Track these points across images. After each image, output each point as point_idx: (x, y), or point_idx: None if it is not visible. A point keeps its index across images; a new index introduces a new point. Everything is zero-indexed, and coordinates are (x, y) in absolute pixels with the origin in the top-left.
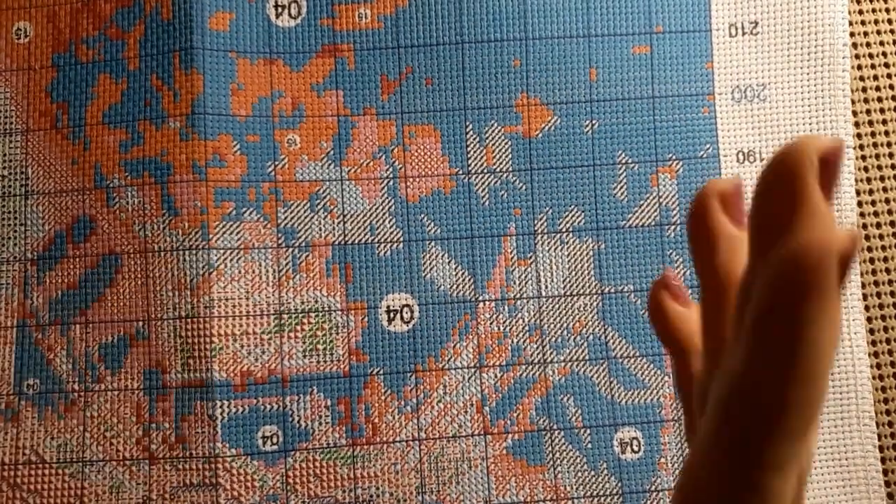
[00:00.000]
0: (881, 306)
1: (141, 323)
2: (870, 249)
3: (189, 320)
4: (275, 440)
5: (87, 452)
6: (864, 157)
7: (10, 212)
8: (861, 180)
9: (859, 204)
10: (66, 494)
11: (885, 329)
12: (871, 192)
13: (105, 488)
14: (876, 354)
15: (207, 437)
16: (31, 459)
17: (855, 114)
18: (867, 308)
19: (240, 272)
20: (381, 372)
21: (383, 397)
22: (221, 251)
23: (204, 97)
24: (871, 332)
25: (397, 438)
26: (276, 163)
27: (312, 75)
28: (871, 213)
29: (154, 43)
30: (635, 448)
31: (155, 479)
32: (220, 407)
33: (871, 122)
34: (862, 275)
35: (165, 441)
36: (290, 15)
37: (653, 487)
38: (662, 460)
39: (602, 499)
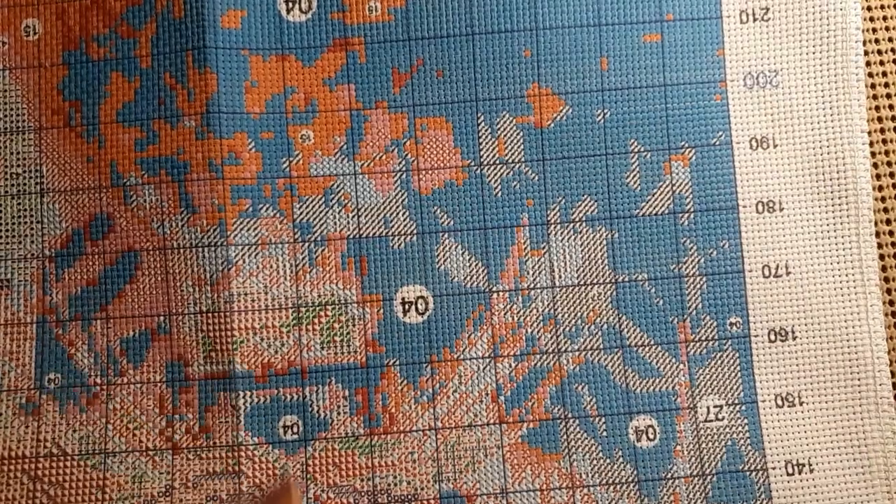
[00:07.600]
0: None
1: (162, 318)
2: (880, 246)
3: (210, 315)
4: (295, 430)
5: (110, 444)
6: (873, 154)
7: (25, 209)
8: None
9: None
10: (87, 485)
11: None
12: (880, 188)
13: (127, 478)
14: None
15: (231, 426)
16: (52, 452)
17: None
18: (888, 288)
19: (258, 267)
20: (397, 363)
21: (400, 387)
22: (239, 247)
23: (218, 96)
24: (893, 314)
25: (414, 428)
26: (291, 159)
27: (324, 70)
28: (881, 209)
29: (166, 41)
30: (651, 436)
31: (178, 468)
32: (243, 397)
33: (880, 119)
34: (881, 246)
35: (189, 431)
36: (300, 10)
37: (668, 475)
38: (678, 448)
39: (617, 486)
